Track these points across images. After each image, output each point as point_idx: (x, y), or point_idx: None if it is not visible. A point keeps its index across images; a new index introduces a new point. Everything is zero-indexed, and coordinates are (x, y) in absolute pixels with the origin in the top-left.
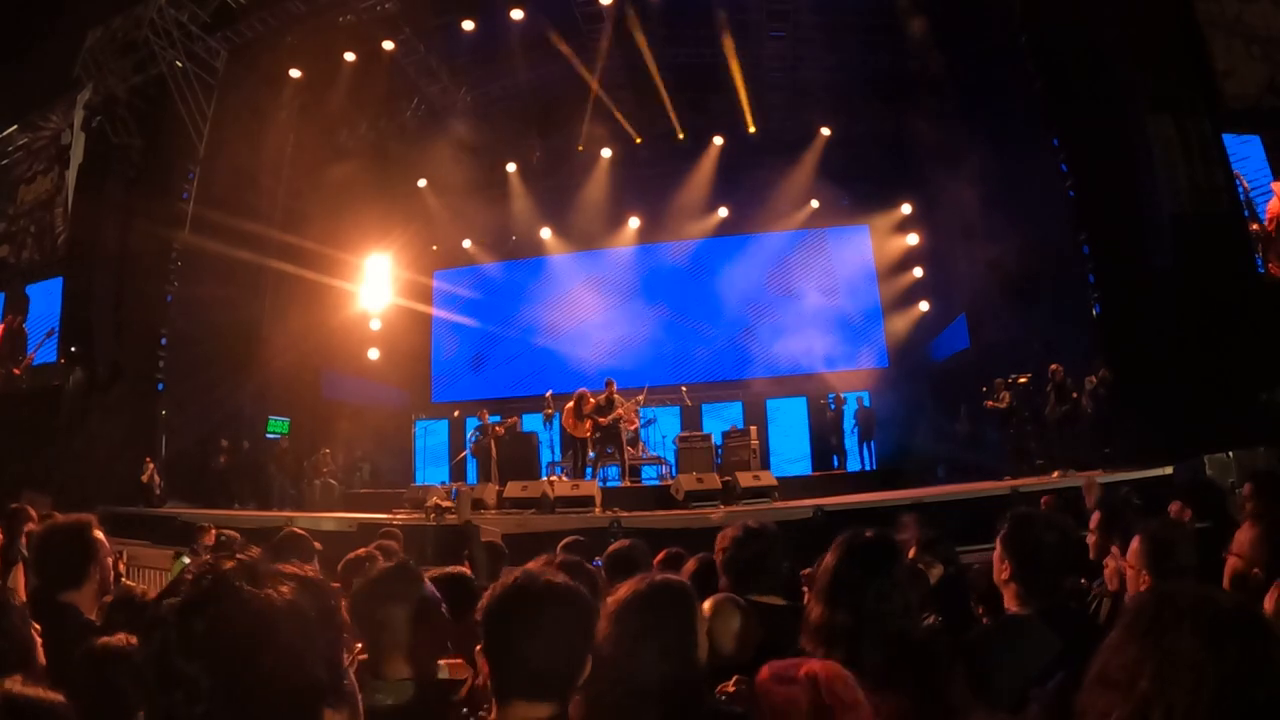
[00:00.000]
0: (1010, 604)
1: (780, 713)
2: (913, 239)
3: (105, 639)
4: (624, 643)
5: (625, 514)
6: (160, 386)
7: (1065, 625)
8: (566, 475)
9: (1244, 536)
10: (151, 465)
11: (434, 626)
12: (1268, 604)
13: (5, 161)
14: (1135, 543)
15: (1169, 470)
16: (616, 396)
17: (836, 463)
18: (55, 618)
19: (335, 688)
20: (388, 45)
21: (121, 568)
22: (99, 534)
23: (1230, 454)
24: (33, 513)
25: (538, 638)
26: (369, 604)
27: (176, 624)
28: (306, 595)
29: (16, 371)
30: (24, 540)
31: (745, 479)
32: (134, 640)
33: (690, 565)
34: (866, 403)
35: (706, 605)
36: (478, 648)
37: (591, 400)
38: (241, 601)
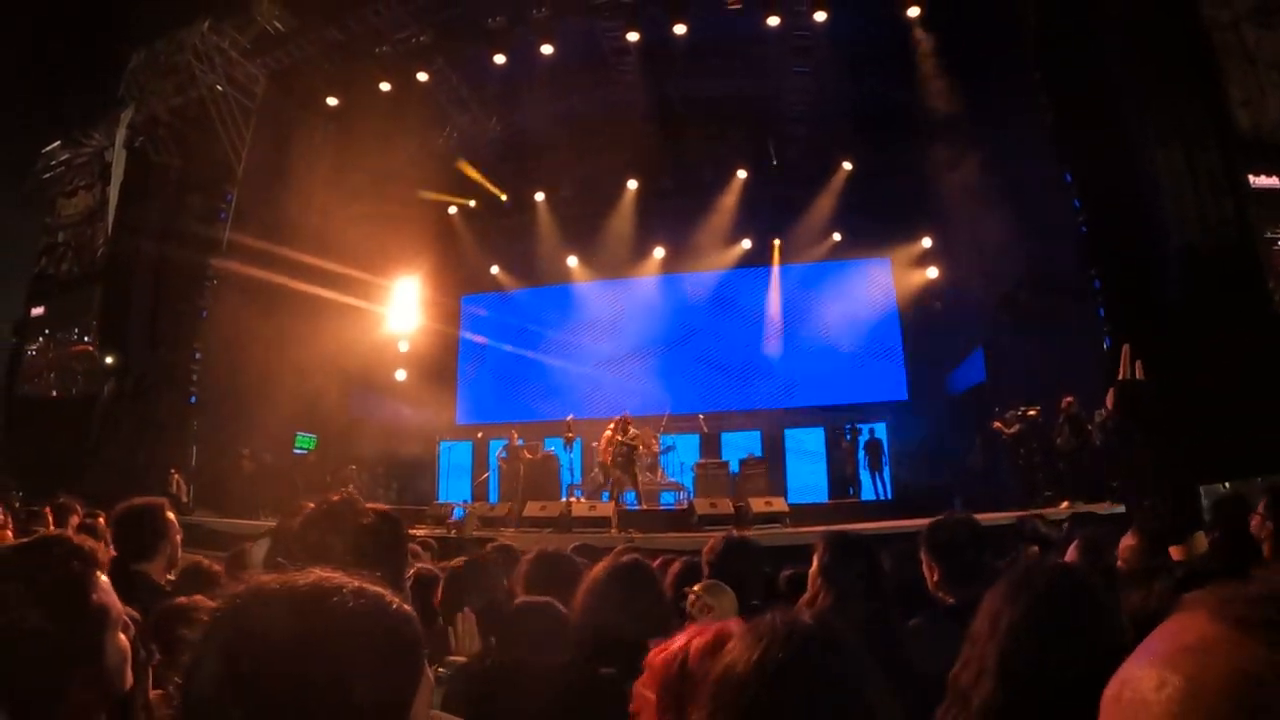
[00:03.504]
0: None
1: None
2: (932, 272)
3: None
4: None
5: (639, 534)
6: (193, 399)
7: None
8: (585, 497)
9: (1126, 543)
10: (177, 475)
11: None
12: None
13: (47, 175)
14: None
15: None
16: (631, 429)
17: (851, 492)
18: (130, 583)
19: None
20: (422, 76)
21: None
22: (170, 515)
23: (1226, 484)
24: (78, 507)
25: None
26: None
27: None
28: (385, 524)
29: None
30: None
31: (758, 504)
32: (208, 602)
33: (676, 566)
34: (878, 434)
35: (698, 586)
36: None
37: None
38: (341, 520)
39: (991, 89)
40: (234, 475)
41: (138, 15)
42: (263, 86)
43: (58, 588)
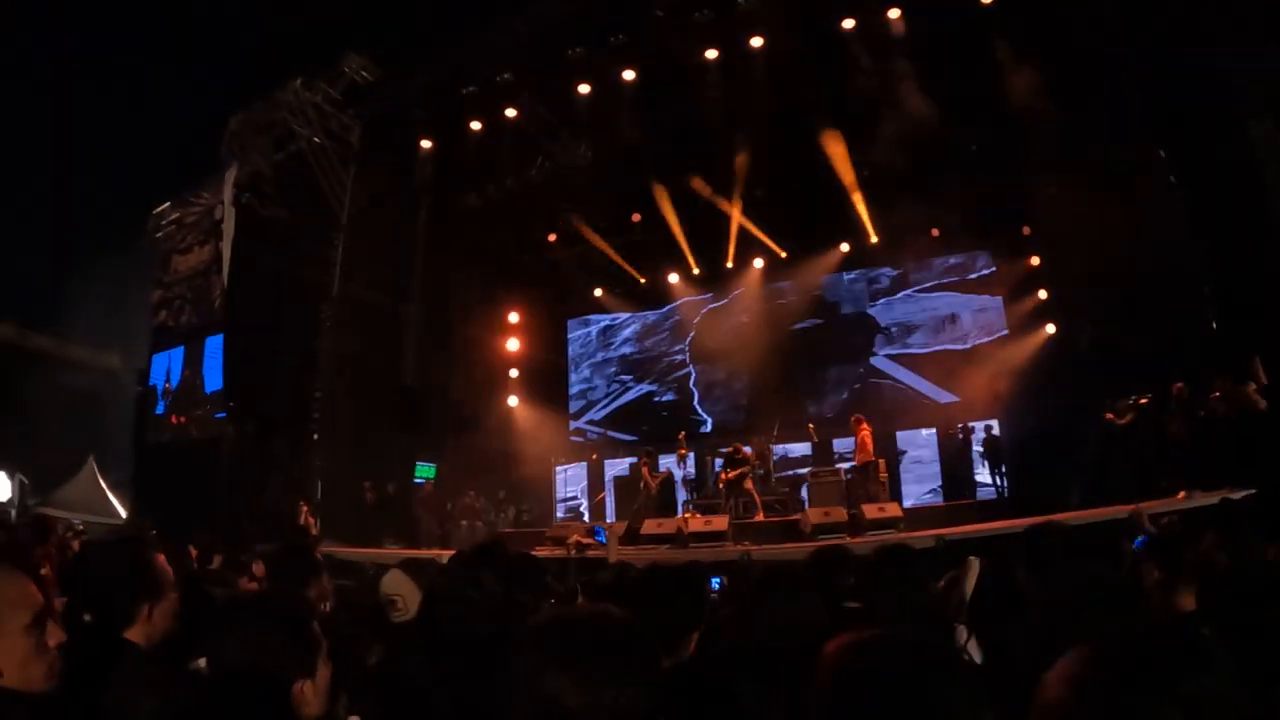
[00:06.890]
0: None
1: None
2: (1035, 260)
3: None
4: None
5: (755, 547)
6: (315, 437)
7: None
8: (700, 512)
9: None
10: (305, 508)
11: None
12: None
13: (160, 234)
14: None
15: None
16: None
17: (967, 492)
18: None
19: None
20: (510, 112)
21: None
22: (318, 554)
23: None
24: (193, 552)
25: None
26: None
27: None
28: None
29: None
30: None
31: (870, 511)
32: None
33: None
34: (995, 431)
35: None
36: None
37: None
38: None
39: (1079, 68)
40: (358, 506)
41: (233, 82)
42: (358, 135)
43: (291, 624)
